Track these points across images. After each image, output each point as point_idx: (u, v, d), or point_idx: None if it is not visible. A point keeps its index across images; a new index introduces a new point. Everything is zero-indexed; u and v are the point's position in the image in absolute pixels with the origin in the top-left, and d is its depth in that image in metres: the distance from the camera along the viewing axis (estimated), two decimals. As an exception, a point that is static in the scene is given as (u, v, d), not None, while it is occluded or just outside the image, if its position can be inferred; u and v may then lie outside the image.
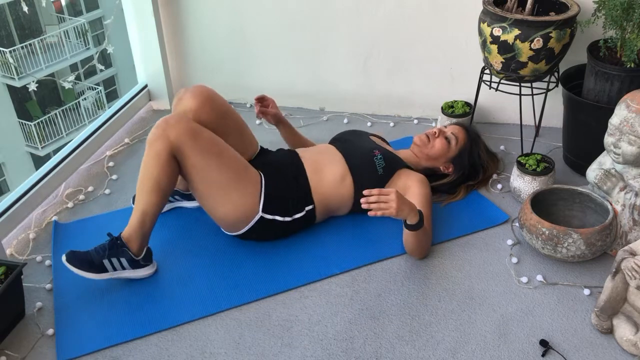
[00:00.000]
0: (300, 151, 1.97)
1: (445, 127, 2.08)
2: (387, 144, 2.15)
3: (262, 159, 1.93)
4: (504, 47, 2.01)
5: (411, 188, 1.86)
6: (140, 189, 1.70)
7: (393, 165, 1.92)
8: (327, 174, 1.88)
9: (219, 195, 1.75)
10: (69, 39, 10.23)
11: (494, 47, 2.04)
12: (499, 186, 2.11)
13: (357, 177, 1.88)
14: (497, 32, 2.00)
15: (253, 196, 1.77)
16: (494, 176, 2.15)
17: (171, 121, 1.69)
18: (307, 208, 1.85)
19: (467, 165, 2.03)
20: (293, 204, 1.83)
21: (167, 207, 2.02)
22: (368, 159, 1.90)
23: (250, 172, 1.80)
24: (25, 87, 9.43)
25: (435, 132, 2.02)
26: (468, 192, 2.07)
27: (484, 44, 2.09)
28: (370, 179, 1.88)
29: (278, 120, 2.13)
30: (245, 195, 1.76)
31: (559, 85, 2.16)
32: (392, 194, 1.62)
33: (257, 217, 1.79)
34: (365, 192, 1.62)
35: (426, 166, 2.03)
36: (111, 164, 2.33)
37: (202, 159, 1.70)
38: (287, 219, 1.83)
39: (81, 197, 2.14)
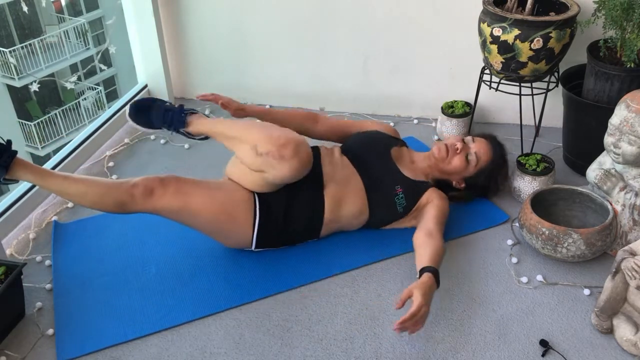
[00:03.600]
0: (327, 176, 1.79)
1: (473, 140, 1.93)
2: (405, 145, 2.03)
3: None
4: (504, 47, 2.01)
5: (434, 200, 1.84)
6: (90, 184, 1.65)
7: (414, 198, 1.86)
8: (345, 209, 1.80)
9: (206, 233, 1.78)
10: (69, 39, 10.22)
11: (494, 47, 2.04)
12: (499, 186, 2.11)
13: (373, 213, 1.84)
14: (497, 32, 2.00)
15: (243, 238, 1.77)
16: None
17: (139, 200, 1.63)
18: (309, 240, 1.85)
19: (479, 187, 1.96)
20: (291, 240, 1.82)
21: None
22: (389, 197, 1.83)
23: (238, 218, 1.71)
24: (25, 87, 9.43)
25: (457, 148, 1.88)
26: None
27: (484, 44, 2.09)
28: (387, 216, 1.86)
29: (244, 114, 1.94)
30: (234, 238, 1.78)
31: (559, 85, 2.16)
32: (423, 308, 1.47)
33: (249, 249, 1.81)
34: (396, 326, 1.44)
35: (438, 178, 1.94)
36: (111, 164, 2.33)
37: (176, 218, 1.70)
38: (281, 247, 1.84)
39: (81, 197, 2.14)
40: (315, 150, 1.86)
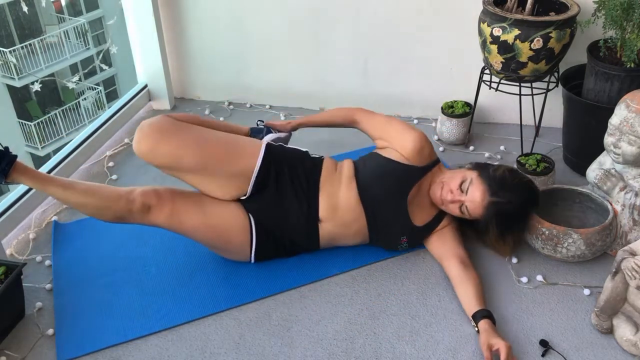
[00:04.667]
0: (323, 211, 1.74)
1: (467, 189, 1.68)
2: (429, 170, 1.79)
3: (266, 211, 1.74)
4: (504, 47, 2.01)
5: (450, 224, 1.82)
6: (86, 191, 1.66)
7: (419, 241, 1.82)
8: (341, 242, 1.82)
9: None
10: (69, 39, 10.23)
11: (494, 47, 2.04)
12: (499, 186, 2.11)
13: (373, 245, 1.84)
14: (497, 32, 2.00)
15: (241, 257, 1.78)
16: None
17: (137, 216, 1.64)
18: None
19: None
20: (291, 254, 1.82)
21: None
22: (392, 244, 1.81)
23: (234, 241, 1.73)
24: (25, 87, 9.43)
25: (449, 200, 1.70)
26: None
27: (484, 44, 2.09)
28: (386, 250, 1.85)
29: (301, 127, 2.02)
30: (232, 256, 1.79)
31: (559, 85, 2.16)
32: (509, 349, 1.47)
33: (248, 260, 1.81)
34: None
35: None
36: (111, 164, 2.33)
37: (175, 232, 1.70)
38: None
39: (81, 197, 2.13)
40: (316, 171, 1.77)
